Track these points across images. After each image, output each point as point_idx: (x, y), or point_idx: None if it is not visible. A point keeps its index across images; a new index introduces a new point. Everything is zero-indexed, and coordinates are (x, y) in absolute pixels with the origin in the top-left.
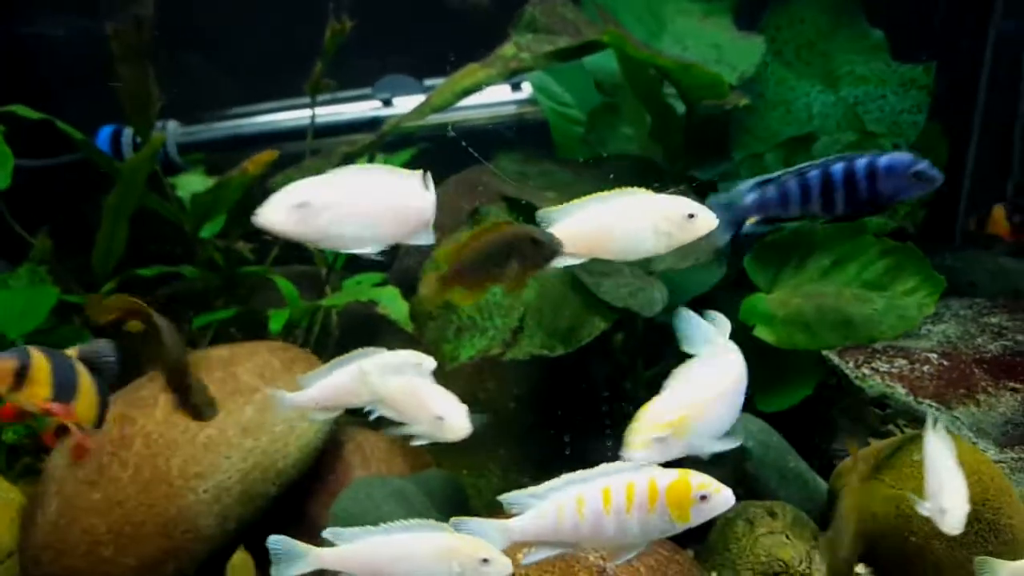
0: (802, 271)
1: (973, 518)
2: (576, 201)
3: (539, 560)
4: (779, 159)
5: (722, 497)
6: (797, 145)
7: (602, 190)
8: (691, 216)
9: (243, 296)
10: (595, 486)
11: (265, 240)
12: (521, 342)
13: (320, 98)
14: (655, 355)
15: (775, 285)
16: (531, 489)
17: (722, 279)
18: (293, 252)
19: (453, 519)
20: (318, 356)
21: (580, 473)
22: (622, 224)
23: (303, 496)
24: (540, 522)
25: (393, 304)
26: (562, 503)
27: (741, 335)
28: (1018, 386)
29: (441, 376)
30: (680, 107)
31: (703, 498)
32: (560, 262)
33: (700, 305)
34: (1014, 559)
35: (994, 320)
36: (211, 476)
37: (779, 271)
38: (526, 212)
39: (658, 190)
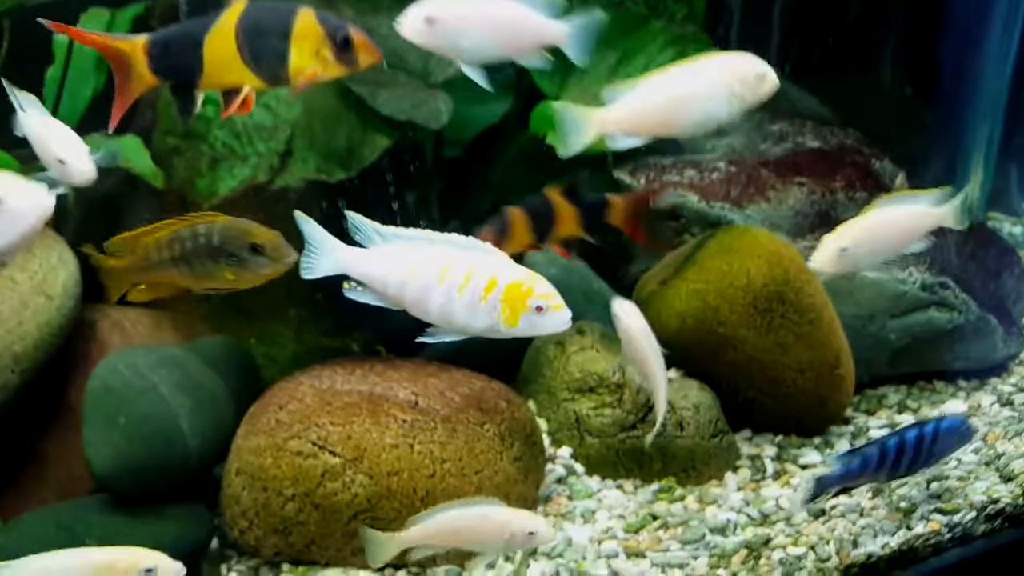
0: (590, 71)
1: (778, 300)
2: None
3: (367, 301)
4: None
5: (559, 316)
6: None
7: None
8: (761, 75)
9: None
10: (436, 258)
11: None
12: (292, 167)
13: None
14: (457, 200)
15: (563, 90)
16: (380, 227)
17: (510, 110)
18: None
19: (297, 214)
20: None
21: (430, 234)
22: (696, 92)
23: (59, 383)
24: (371, 271)
25: (136, 156)
26: (397, 263)
27: (533, 149)
28: (804, 180)
29: None
30: None
31: (539, 309)
32: (626, 143)
33: (490, 136)
34: (819, 336)
35: (775, 128)
36: None
37: (566, 75)
38: None
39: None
